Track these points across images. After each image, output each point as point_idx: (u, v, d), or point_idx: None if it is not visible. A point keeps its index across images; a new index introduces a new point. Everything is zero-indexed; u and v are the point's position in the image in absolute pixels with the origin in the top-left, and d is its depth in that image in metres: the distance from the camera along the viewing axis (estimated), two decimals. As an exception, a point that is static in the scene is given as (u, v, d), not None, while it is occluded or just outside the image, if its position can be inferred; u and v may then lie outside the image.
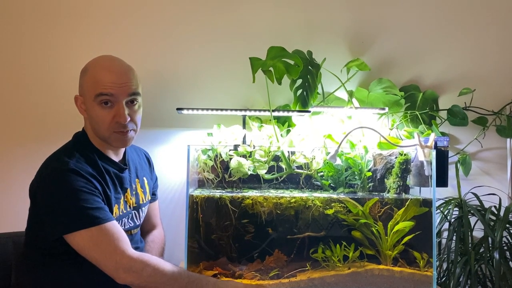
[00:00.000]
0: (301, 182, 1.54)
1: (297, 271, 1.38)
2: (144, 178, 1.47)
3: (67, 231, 1.14)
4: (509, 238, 1.66)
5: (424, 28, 1.88)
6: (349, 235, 1.39)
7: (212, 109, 1.63)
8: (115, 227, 1.18)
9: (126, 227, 1.34)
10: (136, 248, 1.36)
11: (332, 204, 1.39)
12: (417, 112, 1.76)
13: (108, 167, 1.29)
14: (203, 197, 1.38)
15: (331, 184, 1.52)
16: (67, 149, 1.27)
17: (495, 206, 1.68)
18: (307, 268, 1.38)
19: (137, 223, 1.41)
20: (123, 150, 1.37)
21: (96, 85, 1.23)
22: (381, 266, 1.39)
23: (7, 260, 1.41)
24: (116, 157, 1.35)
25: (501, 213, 1.63)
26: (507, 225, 1.63)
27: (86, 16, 1.83)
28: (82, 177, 1.18)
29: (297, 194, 1.43)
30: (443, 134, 1.79)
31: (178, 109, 1.64)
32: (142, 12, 1.84)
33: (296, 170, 1.52)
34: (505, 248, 1.64)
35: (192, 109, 1.64)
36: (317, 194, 1.44)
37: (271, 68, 1.49)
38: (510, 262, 1.62)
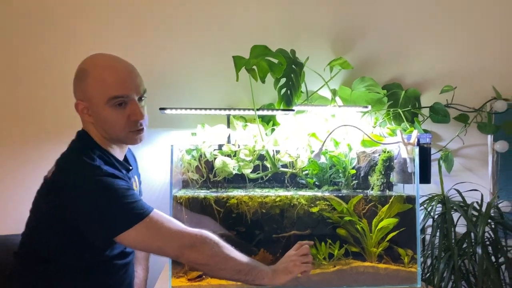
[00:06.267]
0: (286, 181, 1.54)
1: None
2: (135, 177, 1.44)
3: (121, 230, 1.11)
4: (491, 233, 1.69)
5: (406, 27, 1.90)
6: (334, 233, 1.40)
7: (195, 109, 1.62)
8: (159, 212, 1.17)
9: None
10: (131, 252, 1.34)
11: (317, 202, 1.39)
12: (399, 110, 1.78)
13: (121, 168, 1.27)
14: (187, 198, 1.37)
15: (316, 182, 1.53)
16: (83, 153, 1.20)
17: (477, 202, 1.70)
18: (293, 267, 1.37)
19: None
20: (125, 150, 1.34)
21: (107, 88, 1.16)
22: (366, 263, 1.40)
23: (3, 262, 1.37)
24: (121, 158, 1.31)
25: (483, 209, 1.66)
26: (489, 220, 1.65)
27: (69, 14, 1.80)
28: (115, 177, 1.15)
29: (282, 192, 1.43)
30: (425, 131, 1.81)
31: (161, 108, 1.62)
32: (124, 12, 1.82)
33: (281, 169, 1.52)
34: (487, 243, 1.67)
35: (176, 108, 1.62)
36: (302, 193, 1.44)
37: (254, 67, 1.49)
38: (492, 257, 1.65)
